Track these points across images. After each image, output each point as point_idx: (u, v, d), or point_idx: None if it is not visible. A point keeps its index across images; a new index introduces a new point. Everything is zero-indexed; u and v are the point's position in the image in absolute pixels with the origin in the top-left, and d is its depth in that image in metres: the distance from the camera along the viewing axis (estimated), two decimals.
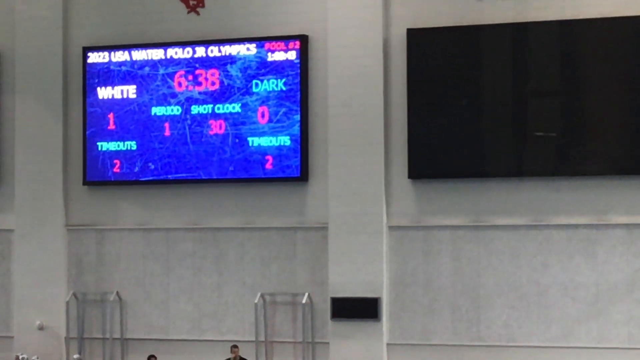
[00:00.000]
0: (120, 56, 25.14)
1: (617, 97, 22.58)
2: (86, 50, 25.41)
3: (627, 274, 22.44)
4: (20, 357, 25.30)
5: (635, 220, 22.35)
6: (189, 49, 24.50)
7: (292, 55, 23.80)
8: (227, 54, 24.36)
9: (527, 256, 23.34)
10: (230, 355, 22.91)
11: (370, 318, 24.19)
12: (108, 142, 25.45)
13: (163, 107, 24.89)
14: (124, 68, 24.91)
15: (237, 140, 24.44)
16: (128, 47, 25.31)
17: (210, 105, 24.59)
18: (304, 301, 24.65)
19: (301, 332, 24.91)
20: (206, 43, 24.69)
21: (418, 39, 23.56)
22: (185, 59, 24.33)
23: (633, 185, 22.54)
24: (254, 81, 24.19)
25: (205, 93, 24.49)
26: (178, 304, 25.92)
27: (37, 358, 25.13)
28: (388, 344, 24.09)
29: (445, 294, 23.80)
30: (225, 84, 24.32)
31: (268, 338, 24.97)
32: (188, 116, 24.68)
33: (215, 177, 25.06)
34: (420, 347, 24.07)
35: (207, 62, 24.15)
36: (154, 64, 24.72)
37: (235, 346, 22.86)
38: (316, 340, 24.66)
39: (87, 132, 25.58)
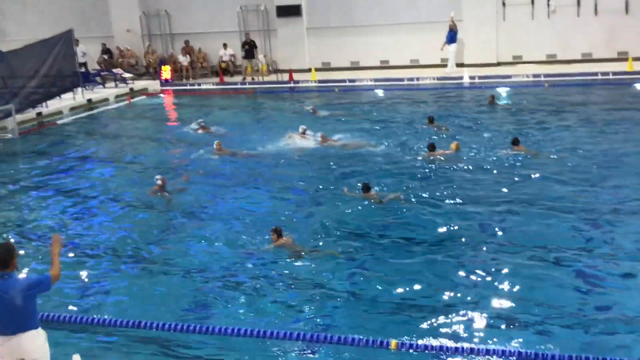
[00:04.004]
0: None
1: None
2: None
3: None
4: (122, 48, 29.16)
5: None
6: None
7: None
8: None
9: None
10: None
11: (297, 15, 27.56)
12: None
13: None
14: None
15: None
16: None
17: None
18: (262, 8, 28.20)
19: (262, 24, 28.49)
20: None
21: None
22: None
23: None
24: None
25: None
26: (199, 16, 28.87)
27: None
28: (306, 28, 27.92)
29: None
30: None
31: (246, 29, 28.44)
32: None
33: None
34: (321, 29, 27.56)
35: None
36: None
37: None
38: (270, 28, 28.40)
39: None
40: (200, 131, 18.47)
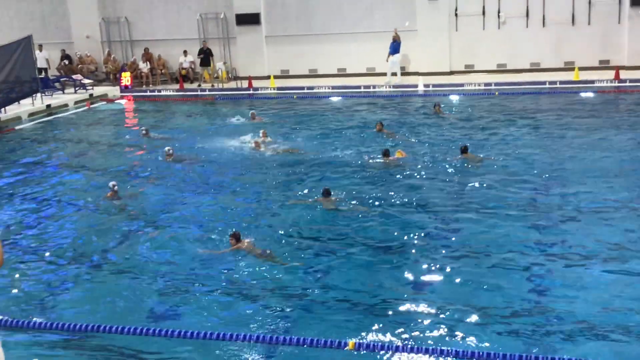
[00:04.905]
0: None
1: None
2: None
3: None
4: (78, 54, 28.85)
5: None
6: None
7: None
8: None
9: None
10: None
11: (256, 24, 27.51)
12: None
13: None
14: None
15: None
16: None
17: None
18: (222, 16, 28.07)
19: (221, 32, 28.32)
20: None
21: None
22: None
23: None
24: None
25: None
26: (159, 24, 28.72)
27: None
28: (265, 36, 27.91)
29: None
30: None
31: (206, 36, 28.28)
32: None
33: None
34: (280, 37, 27.64)
35: None
36: None
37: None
38: (230, 36, 28.28)
39: None
40: (144, 136, 18.53)
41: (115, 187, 13.09)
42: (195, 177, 14.65)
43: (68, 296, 9.24)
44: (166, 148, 16.08)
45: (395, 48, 25.05)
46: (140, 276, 9.64)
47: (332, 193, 12.22)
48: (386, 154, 14.67)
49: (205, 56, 26.99)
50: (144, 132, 18.70)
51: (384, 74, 25.96)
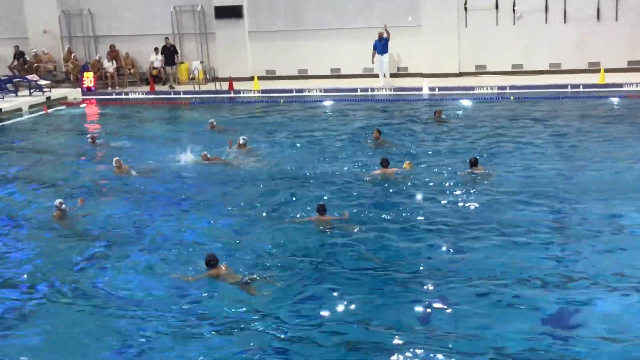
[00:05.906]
0: None
1: None
2: None
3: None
4: (34, 51, 28.57)
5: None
6: None
7: None
8: None
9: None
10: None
11: (238, 17, 27.47)
12: None
13: None
14: None
15: None
16: None
17: None
18: (198, 9, 28.09)
19: (198, 26, 28.30)
20: None
21: None
22: None
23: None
24: None
25: None
26: (127, 17, 28.55)
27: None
28: (249, 32, 27.84)
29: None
30: None
31: (180, 31, 28.39)
32: None
33: None
34: (265, 32, 27.63)
35: None
36: None
37: None
38: (208, 31, 28.21)
39: None
40: (91, 145, 18.64)
41: (63, 206, 12.90)
42: (149, 191, 14.48)
43: (11, 331, 9.05)
44: (114, 159, 15.98)
45: (384, 46, 24.86)
46: (101, 306, 9.46)
47: (326, 210, 12.06)
48: (385, 163, 14.55)
49: (169, 54, 26.89)
50: (90, 140, 18.73)
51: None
